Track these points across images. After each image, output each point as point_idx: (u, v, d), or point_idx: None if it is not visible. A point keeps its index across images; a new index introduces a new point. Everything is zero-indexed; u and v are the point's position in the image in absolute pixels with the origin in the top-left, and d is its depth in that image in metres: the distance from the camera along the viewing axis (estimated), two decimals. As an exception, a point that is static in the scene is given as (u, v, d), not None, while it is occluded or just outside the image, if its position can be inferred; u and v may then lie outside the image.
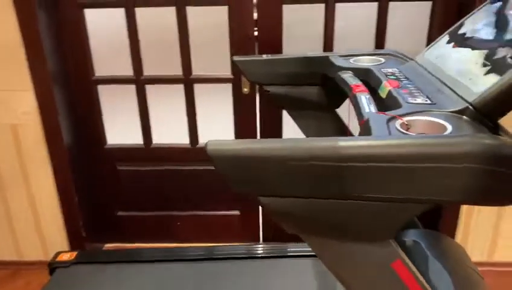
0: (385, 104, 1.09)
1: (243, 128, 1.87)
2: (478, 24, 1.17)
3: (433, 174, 0.76)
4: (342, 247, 0.88)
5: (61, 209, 1.86)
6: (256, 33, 1.72)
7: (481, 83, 0.95)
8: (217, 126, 1.91)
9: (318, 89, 1.51)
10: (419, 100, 1.02)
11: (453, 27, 1.26)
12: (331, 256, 0.91)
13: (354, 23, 1.76)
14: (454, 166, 0.76)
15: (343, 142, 0.78)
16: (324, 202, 0.82)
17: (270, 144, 0.80)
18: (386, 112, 0.95)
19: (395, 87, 1.11)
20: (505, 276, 1.91)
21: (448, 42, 1.23)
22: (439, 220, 1.84)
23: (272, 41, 1.72)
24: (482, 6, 1.19)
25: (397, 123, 0.91)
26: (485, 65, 1.01)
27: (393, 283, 0.91)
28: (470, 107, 0.92)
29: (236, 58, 1.50)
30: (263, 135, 1.88)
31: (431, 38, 1.72)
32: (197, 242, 1.99)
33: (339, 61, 1.39)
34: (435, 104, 0.99)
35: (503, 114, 0.92)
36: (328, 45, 1.74)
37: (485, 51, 1.04)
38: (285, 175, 0.80)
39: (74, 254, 1.76)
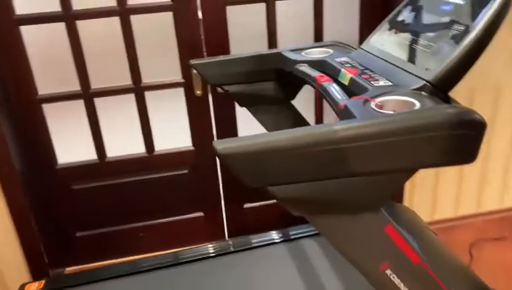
0: (350, 90, 1.20)
1: (198, 131, 1.90)
2: (415, 10, 1.32)
3: (417, 144, 0.88)
4: (342, 221, 0.97)
5: (18, 238, 1.75)
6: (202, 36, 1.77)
7: (431, 62, 1.09)
8: (172, 131, 1.92)
9: (274, 84, 1.60)
10: (381, 83, 1.14)
11: (391, 15, 1.41)
12: (333, 232, 0.99)
13: (292, 19, 1.87)
14: (434, 134, 0.88)
15: (338, 126, 0.87)
16: (326, 182, 0.90)
17: (275, 137, 0.87)
18: (359, 96, 1.06)
19: (355, 74, 1.23)
20: (445, 232, 2.16)
21: (390, 29, 1.37)
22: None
23: (219, 42, 1.78)
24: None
25: (372, 104, 1.02)
26: (429, 47, 1.16)
27: (388, 246, 1.02)
28: (428, 84, 1.05)
29: (193, 62, 1.53)
30: (219, 135, 1.93)
31: (362, 27, 1.89)
32: (163, 250, 1.99)
33: (292, 56, 1.49)
34: (396, 84, 1.12)
35: (452, 88, 1.08)
36: (272, 42, 1.83)
37: (428, 34, 1.19)
38: (291, 163, 0.87)
39: (42, 283, 1.68)
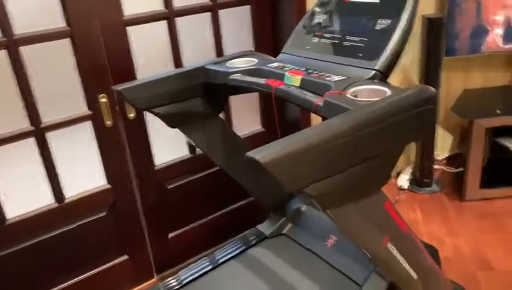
0: (303, 90, 1.26)
1: (113, 165, 1.72)
2: (328, 14, 1.46)
3: (413, 120, 1.00)
4: (356, 207, 1.02)
5: None
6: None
7: (371, 54, 1.23)
8: (81, 171, 1.69)
9: (201, 100, 1.56)
10: (336, 78, 1.23)
11: (303, 21, 1.52)
12: (349, 220, 1.03)
13: (190, 36, 1.85)
14: (421, 109, 1.01)
15: (351, 116, 0.93)
16: (346, 172, 0.94)
17: (305, 136, 0.87)
18: (333, 90, 1.13)
19: (303, 75, 1.29)
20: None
21: (308, 33, 1.48)
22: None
23: (124, 65, 1.65)
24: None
25: (349, 96, 1.10)
26: (360, 42, 1.31)
27: (388, 221, 1.11)
28: (378, 72, 1.19)
29: (118, 87, 1.39)
30: (136, 165, 1.78)
31: (256, 37, 1.98)
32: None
33: (220, 68, 1.48)
34: (349, 77, 1.23)
35: (391, 73, 1.24)
36: (177, 60, 1.78)
37: (353, 32, 1.33)
38: (320, 159, 0.88)
39: None
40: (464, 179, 2.27)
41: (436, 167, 2.56)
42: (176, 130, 1.85)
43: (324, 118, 1.11)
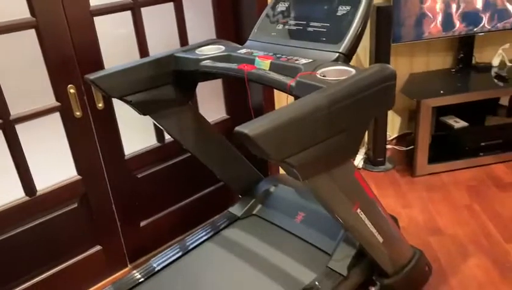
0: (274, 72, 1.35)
1: (83, 156, 1.72)
2: (290, 2, 1.55)
3: (378, 95, 1.11)
4: (330, 176, 1.12)
5: None
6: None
7: (335, 38, 1.34)
8: (51, 162, 1.68)
9: (172, 87, 1.61)
10: (304, 61, 1.33)
11: (266, 11, 1.60)
12: (325, 188, 1.13)
13: (156, 26, 1.88)
14: (384, 84, 1.13)
15: (327, 92, 1.03)
16: (324, 143, 1.04)
17: (288, 111, 0.96)
18: (302, 72, 1.22)
19: (273, 59, 1.38)
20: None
21: (273, 20, 1.57)
22: (266, 168, 2.26)
23: (91, 56, 1.65)
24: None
25: (318, 76, 1.19)
26: (323, 27, 1.41)
27: (358, 188, 1.23)
28: (341, 54, 1.30)
29: (91, 76, 1.42)
30: (105, 155, 1.79)
31: (217, 27, 2.04)
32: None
33: (191, 55, 1.53)
34: (316, 60, 1.32)
35: (353, 55, 1.35)
36: (143, 50, 1.80)
37: (316, 18, 1.43)
38: (302, 131, 0.98)
39: None
40: (414, 156, 2.47)
41: (388, 146, 2.75)
42: (144, 120, 1.89)
43: (297, 97, 1.20)
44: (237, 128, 0.91)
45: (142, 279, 1.66)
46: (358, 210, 1.25)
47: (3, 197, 1.59)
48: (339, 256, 1.57)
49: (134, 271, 1.70)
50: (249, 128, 0.90)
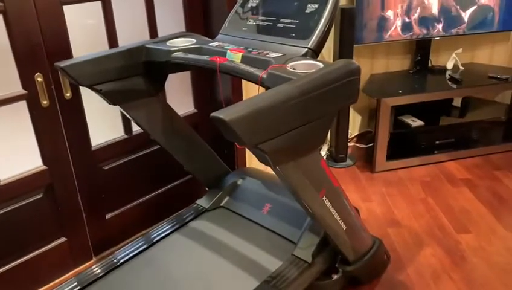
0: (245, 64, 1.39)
1: (49, 146, 1.70)
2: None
3: (344, 88, 1.18)
4: (298, 164, 1.18)
5: None
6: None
7: (303, 34, 1.40)
8: (16, 151, 1.65)
9: (142, 78, 1.62)
10: (274, 54, 1.39)
11: (237, 7, 1.65)
12: (293, 175, 1.19)
13: (126, 17, 1.88)
14: (350, 78, 1.20)
15: (298, 83, 1.08)
16: (293, 132, 1.10)
17: (262, 99, 1.00)
18: (273, 65, 1.27)
19: (244, 52, 1.42)
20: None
21: (243, 16, 1.62)
22: (234, 161, 2.30)
23: (60, 47, 1.64)
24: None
25: (289, 68, 1.25)
26: (292, 24, 1.47)
27: (324, 176, 1.30)
28: (309, 50, 1.36)
29: (61, 64, 1.41)
30: (72, 145, 1.77)
31: (188, 20, 2.06)
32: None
33: (162, 46, 1.55)
34: (285, 54, 1.38)
35: (321, 50, 1.42)
36: (112, 41, 1.80)
37: (285, 14, 1.49)
38: (274, 118, 1.03)
39: None
40: (373, 153, 2.58)
41: (349, 144, 2.85)
42: (111, 111, 1.89)
43: (268, 89, 1.25)
44: (213, 113, 0.95)
45: (106, 271, 1.66)
46: (324, 197, 1.32)
47: (-36, 186, 1.55)
48: (304, 244, 1.63)
49: (99, 263, 1.69)
50: (225, 113, 0.94)
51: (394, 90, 2.52)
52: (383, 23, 2.58)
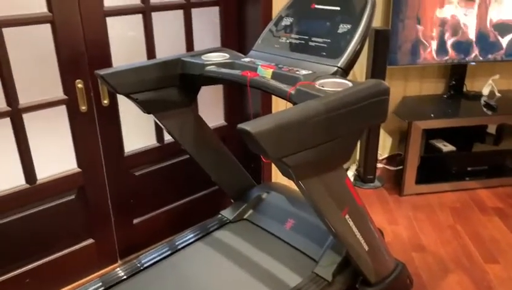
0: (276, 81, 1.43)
1: (84, 150, 1.78)
2: (294, 18, 1.64)
3: (372, 107, 1.19)
4: (322, 180, 1.19)
5: None
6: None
7: (334, 53, 1.43)
8: (53, 153, 1.73)
9: (176, 89, 1.68)
10: (304, 72, 1.41)
11: (270, 25, 1.69)
12: (316, 191, 1.20)
13: (165, 31, 1.96)
14: (378, 98, 1.21)
15: (325, 100, 1.10)
16: (319, 147, 1.11)
17: (288, 113, 1.03)
18: (302, 82, 1.30)
19: (275, 69, 1.46)
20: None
21: (276, 34, 1.65)
22: (260, 175, 2.32)
23: (101, 54, 1.72)
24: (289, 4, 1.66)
25: (317, 86, 1.27)
26: (324, 43, 1.49)
27: (348, 194, 1.30)
28: (339, 69, 1.38)
29: (101, 72, 1.48)
30: (106, 151, 1.84)
31: (223, 36, 2.12)
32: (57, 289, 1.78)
33: (197, 60, 1.61)
34: (315, 72, 1.41)
35: (351, 70, 1.43)
36: (150, 53, 1.88)
37: (318, 33, 1.51)
38: (300, 133, 1.05)
39: None
40: (402, 176, 2.55)
41: (378, 165, 2.83)
42: (146, 120, 1.96)
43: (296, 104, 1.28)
44: (240, 125, 0.98)
45: (130, 275, 1.70)
46: (347, 216, 1.32)
47: (4, 183, 1.63)
48: (325, 263, 1.63)
49: (123, 266, 1.74)
50: (251, 126, 0.97)
51: (426, 113, 2.50)
52: (417, 46, 2.57)
